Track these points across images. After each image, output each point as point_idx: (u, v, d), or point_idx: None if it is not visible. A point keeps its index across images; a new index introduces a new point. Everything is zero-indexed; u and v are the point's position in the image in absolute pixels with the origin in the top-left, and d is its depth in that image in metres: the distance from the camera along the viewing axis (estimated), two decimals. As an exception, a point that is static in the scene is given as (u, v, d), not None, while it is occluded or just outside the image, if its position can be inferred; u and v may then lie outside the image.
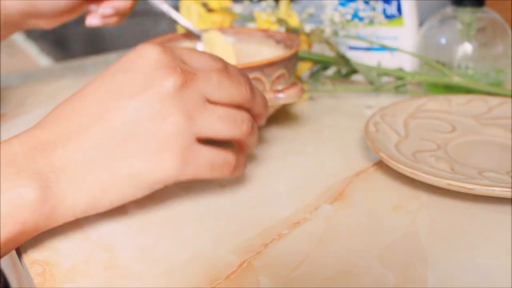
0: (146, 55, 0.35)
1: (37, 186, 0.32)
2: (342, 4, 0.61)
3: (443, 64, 0.56)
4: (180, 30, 0.68)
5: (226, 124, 0.36)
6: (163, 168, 0.34)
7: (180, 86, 0.34)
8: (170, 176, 0.35)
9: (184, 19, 0.56)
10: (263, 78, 0.46)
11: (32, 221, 0.32)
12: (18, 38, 0.95)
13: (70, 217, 0.34)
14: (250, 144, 0.39)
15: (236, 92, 0.37)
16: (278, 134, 0.50)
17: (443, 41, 0.57)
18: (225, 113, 0.36)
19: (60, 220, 0.34)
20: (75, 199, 0.33)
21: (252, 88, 0.38)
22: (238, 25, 0.66)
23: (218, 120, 0.36)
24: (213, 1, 0.62)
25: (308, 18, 0.61)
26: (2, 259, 0.54)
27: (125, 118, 0.34)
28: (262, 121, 0.40)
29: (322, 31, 0.57)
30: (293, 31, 0.58)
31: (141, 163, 0.34)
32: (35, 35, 0.94)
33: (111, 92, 0.34)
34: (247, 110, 0.38)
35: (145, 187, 0.35)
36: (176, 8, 0.61)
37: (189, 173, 0.35)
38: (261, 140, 0.48)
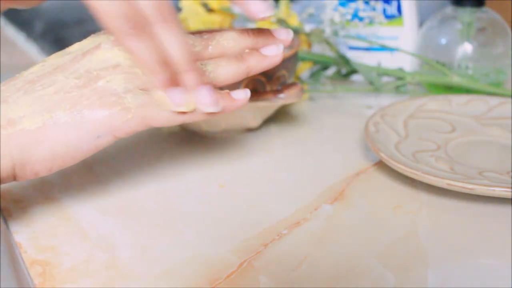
0: None
1: None
2: (342, 4, 0.61)
3: (443, 64, 0.56)
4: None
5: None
6: None
7: None
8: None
9: None
10: (263, 78, 0.46)
11: None
12: (18, 38, 0.95)
13: None
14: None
15: None
16: (278, 134, 0.49)
17: (443, 41, 0.57)
18: None
19: None
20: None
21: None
22: (238, 25, 0.66)
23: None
24: (213, 1, 0.62)
25: (308, 18, 0.61)
26: (2, 259, 0.53)
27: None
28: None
29: (322, 31, 0.57)
30: (293, 31, 0.58)
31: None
32: (35, 35, 0.93)
33: None
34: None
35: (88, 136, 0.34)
36: (176, 8, 0.61)
37: None
38: (260, 140, 0.48)
